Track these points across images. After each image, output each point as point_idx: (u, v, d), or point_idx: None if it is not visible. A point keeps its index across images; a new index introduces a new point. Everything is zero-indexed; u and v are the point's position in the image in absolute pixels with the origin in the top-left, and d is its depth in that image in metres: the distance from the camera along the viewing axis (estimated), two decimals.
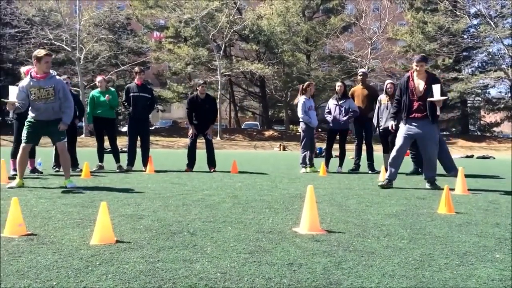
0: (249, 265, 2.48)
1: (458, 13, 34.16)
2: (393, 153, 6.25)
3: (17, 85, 5.84)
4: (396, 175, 6.29)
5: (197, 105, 8.53)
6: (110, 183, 6.29)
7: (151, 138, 9.42)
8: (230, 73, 37.59)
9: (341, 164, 8.94)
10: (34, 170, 7.55)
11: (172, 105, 47.69)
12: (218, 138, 33.90)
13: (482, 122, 45.53)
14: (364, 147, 9.14)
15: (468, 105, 42.32)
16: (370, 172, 8.80)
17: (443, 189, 4.39)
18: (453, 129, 44.10)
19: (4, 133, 30.39)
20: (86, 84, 33.77)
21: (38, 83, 5.61)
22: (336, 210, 4.27)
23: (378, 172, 7.94)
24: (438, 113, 5.96)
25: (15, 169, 7.06)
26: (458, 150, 30.96)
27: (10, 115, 6.02)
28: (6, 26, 37.52)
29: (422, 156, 6.39)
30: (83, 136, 29.44)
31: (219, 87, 35.73)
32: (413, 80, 6.09)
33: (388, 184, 6.18)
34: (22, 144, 5.78)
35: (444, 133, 42.27)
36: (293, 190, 5.80)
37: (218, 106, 9.18)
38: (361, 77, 9.33)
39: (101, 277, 2.23)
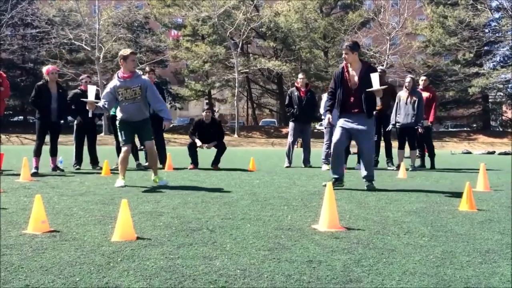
0: (269, 262, 2.48)
1: (479, 6, 33.47)
2: (332, 149, 5.66)
3: (96, 85, 5.93)
4: (343, 171, 5.77)
5: (202, 129, 8.66)
6: (129, 181, 6.36)
7: (169, 136, 9.50)
8: (247, 70, 37.59)
9: (359, 161, 8.86)
10: (55, 168, 7.68)
11: (190, 103, 47.99)
12: (235, 135, 33.97)
13: (504, 117, 44.61)
14: (382, 143, 9.08)
15: (490, 100, 41.48)
16: (389, 168, 8.72)
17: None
18: (474, 125, 43.30)
19: (33, 132, 31.03)
20: (105, 82, 34.18)
21: (125, 83, 5.59)
22: (355, 207, 4.24)
23: (398, 169, 7.85)
24: (378, 105, 5.59)
25: (37, 167, 7.21)
26: (479, 146, 30.42)
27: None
28: (28, 27, 38.24)
29: (359, 153, 5.93)
30: (102, 134, 29.84)
31: (236, 84, 35.79)
32: (347, 71, 5.58)
33: (337, 183, 5.54)
34: (124, 147, 5.75)
35: (465, 129, 41.56)
36: (311, 187, 5.78)
37: (223, 130, 9.24)
38: (380, 74, 9.26)
39: (122, 273, 2.26)
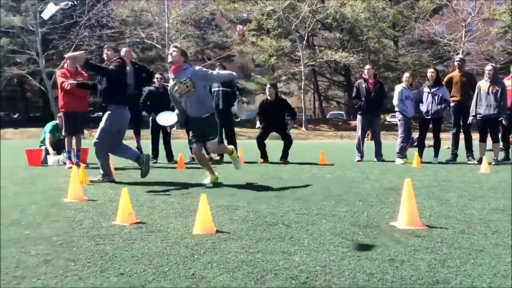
0: (349, 259, 2.46)
1: None
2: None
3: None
4: None
5: (267, 109, 8.69)
6: (203, 174, 6.55)
7: (237, 129, 9.65)
8: (313, 63, 37.22)
9: (436, 155, 8.49)
10: (139, 147, 8.38)
11: (256, 97, 48.41)
12: (303, 128, 33.83)
13: None
14: (462, 135, 8.62)
15: None
16: (469, 162, 8.27)
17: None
18: None
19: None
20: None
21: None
22: (435, 204, 4.07)
23: (479, 163, 7.43)
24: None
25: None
26: None
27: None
28: (103, 28, 40.48)
29: None
30: (174, 128, 30.97)
31: (302, 77, 35.58)
32: None
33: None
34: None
35: None
36: (385, 182, 5.62)
37: (291, 106, 9.29)
38: (459, 63, 8.82)
39: (206, 265, 2.34)
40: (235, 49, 40.64)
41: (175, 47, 5.28)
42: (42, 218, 3.47)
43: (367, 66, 9.30)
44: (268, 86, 9.12)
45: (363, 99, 8.86)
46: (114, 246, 2.68)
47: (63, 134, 7.73)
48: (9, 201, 4.24)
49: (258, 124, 8.84)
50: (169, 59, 5.31)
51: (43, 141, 8.67)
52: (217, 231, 3.05)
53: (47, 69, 35.39)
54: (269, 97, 8.73)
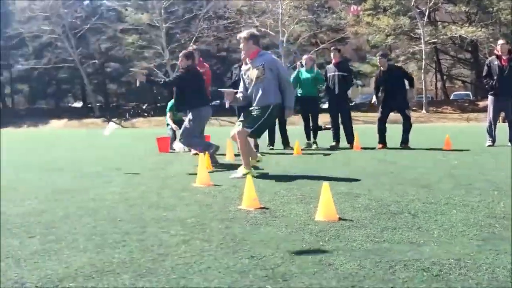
0: (486, 253, 2.30)
1: None
2: None
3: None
4: None
5: (382, 82, 8.24)
6: (319, 160, 6.56)
7: (352, 114, 9.40)
8: (435, 40, 34.66)
9: None
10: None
11: (372, 80, 46.74)
12: (423, 111, 31.91)
13: None
14: None
15: None
16: None
17: None
18: None
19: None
20: (289, 65, 35.66)
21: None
22: None
23: None
24: None
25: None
26: None
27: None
28: (220, 19, 42.23)
29: None
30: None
31: (423, 56, 33.43)
32: None
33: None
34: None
35: None
36: None
37: (408, 73, 8.70)
38: None
39: (332, 252, 2.36)
40: (349, 31, 39.51)
41: (240, 38, 5.12)
42: (176, 201, 3.79)
43: (500, 41, 8.40)
44: (378, 56, 8.56)
45: (495, 78, 8.05)
46: (243, 230, 2.83)
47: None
48: (147, 185, 4.69)
49: (373, 99, 8.50)
50: (242, 54, 5.40)
51: (168, 123, 9.41)
52: (340, 219, 3.05)
53: (171, 62, 38.07)
54: (382, 68, 8.30)
